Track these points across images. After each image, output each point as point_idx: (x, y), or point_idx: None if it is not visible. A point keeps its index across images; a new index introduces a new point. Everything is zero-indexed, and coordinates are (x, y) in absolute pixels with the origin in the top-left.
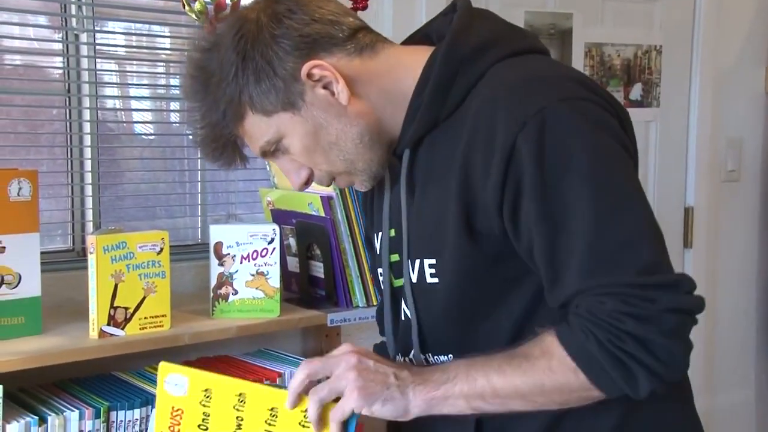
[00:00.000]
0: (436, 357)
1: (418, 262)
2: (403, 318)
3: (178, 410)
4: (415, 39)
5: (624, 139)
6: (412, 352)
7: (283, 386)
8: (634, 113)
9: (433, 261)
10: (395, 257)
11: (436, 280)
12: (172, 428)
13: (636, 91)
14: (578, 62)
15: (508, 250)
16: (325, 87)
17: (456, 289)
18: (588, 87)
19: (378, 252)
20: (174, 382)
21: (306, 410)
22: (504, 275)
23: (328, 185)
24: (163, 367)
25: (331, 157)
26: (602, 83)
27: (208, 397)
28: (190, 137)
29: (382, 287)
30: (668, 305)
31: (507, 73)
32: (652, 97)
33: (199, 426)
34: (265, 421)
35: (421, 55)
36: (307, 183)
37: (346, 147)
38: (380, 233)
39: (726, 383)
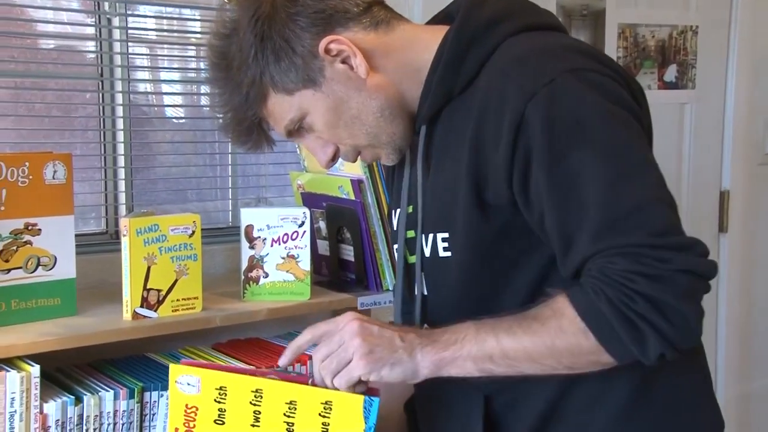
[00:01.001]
0: None
1: (431, 236)
2: (420, 294)
3: (192, 407)
4: (438, 18)
5: (636, 110)
6: (425, 327)
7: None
8: (668, 95)
9: (446, 234)
10: (411, 233)
11: (448, 254)
12: (186, 424)
13: (671, 73)
14: (611, 44)
15: (517, 223)
16: (343, 61)
17: (468, 263)
18: (599, 60)
19: (395, 228)
20: (186, 381)
21: (325, 402)
22: (513, 248)
23: (354, 161)
24: (174, 368)
25: (354, 131)
26: (636, 65)
27: (222, 394)
28: (218, 122)
29: (397, 264)
30: (681, 266)
31: (518, 46)
32: (688, 79)
33: (215, 421)
34: (284, 414)
35: (439, 32)
36: (334, 159)
37: (367, 120)
38: (398, 210)
39: (762, 369)
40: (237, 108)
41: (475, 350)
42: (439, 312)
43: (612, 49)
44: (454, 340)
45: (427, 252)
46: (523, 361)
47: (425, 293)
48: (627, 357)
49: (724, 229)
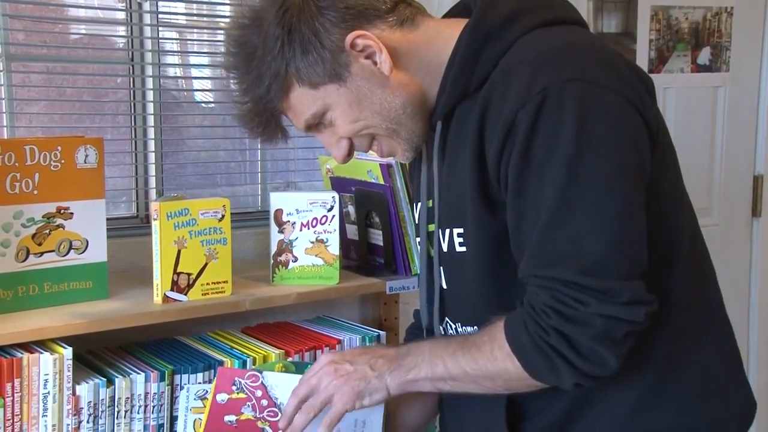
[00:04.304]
0: (465, 327)
1: (448, 231)
2: (438, 287)
3: None
4: (456, 10)
5: (630, 131)
6: (445, 320)
7: None
8: (701, 78)
9: (461, 230)
10: (432, 227)
11: (464, 249)
12: None
13: (704, 56)
14: (644, 26)
15: None
16: (367, 57)
17: (482, 258)
18: (607, 65)
19: (416, 221)
20: None
21: None
22: None
23: (367, 150)
24: None
25: (375, 124)
26: (668, 48)
27: None
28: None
29: (420, 256)
30: (598, 311)
31: (529, 45)
32: (722, 62)
33: None
34: None
35: (458, 27)
36: (350, 155)
37: (389, 116)
38: (419, 203)
39: None
40: (257, 100)
41: (430, 374)
42: (457, 305)
43: (644, 32)
44: (414, 365)
45: (445, 247)
46: (467, 383)
47: (444, 286)
48: (549, 382)
49: (758, 214)
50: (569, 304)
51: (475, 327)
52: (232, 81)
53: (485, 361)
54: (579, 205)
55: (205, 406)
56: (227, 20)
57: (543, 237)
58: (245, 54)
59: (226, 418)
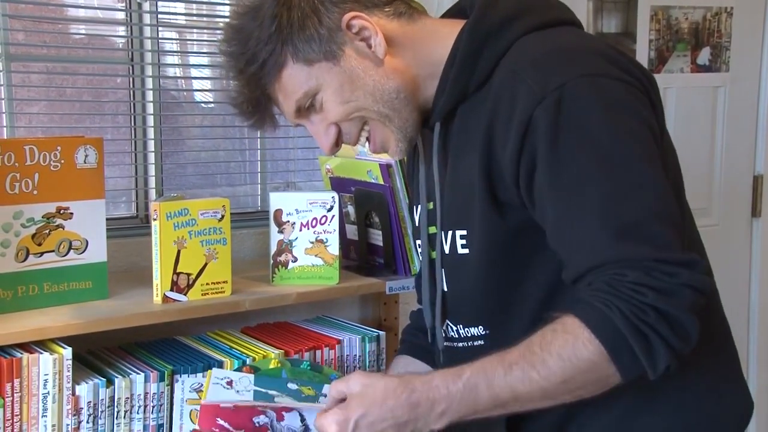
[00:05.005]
0: (467, 329)
1: (450, 233)
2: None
3: None
4: (452, 12)
5: (647, 117)
6: (446, 321)
7: None
8: (701, 79)
9: (464, 232)
10: (433, 229)
11: (466, 251)
12: None
13: (704, 56)
14: (643, 26)
15: (531, 221)
16: (362, 40)
17: (485, 259)
18: (613, 61)
19: (416, 224)
20: None
21: None
22: (530, 244)
23: (355, 143)
24: None
25: (366, 104)
26: (668, 48)
27: None
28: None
29: (421, 259)
30: (687, 281)
31: (531, 46)
32: (721, 62)
33: None
34: None
35: (455, 27)
36: (338, 145)
37: (382, 98)
38: (419, 206)
39: None
40: (250, 77)
41: (491, 405)
42: (458, 307)
43: (644, 32)
44: (472, 404)
45: (447, 249)
46: (537, 401)
47: (445, 288)
48: (635, 370)
49: (758, 214)
50: (661, 278)
51: (479, 327)
52: (227, 63)
53: (571, 370)
54: (627, 190)
55: (200, 398)
56: (228, 20)
57: (602, 227)
58: (242, 37)
59: (223, 404)
